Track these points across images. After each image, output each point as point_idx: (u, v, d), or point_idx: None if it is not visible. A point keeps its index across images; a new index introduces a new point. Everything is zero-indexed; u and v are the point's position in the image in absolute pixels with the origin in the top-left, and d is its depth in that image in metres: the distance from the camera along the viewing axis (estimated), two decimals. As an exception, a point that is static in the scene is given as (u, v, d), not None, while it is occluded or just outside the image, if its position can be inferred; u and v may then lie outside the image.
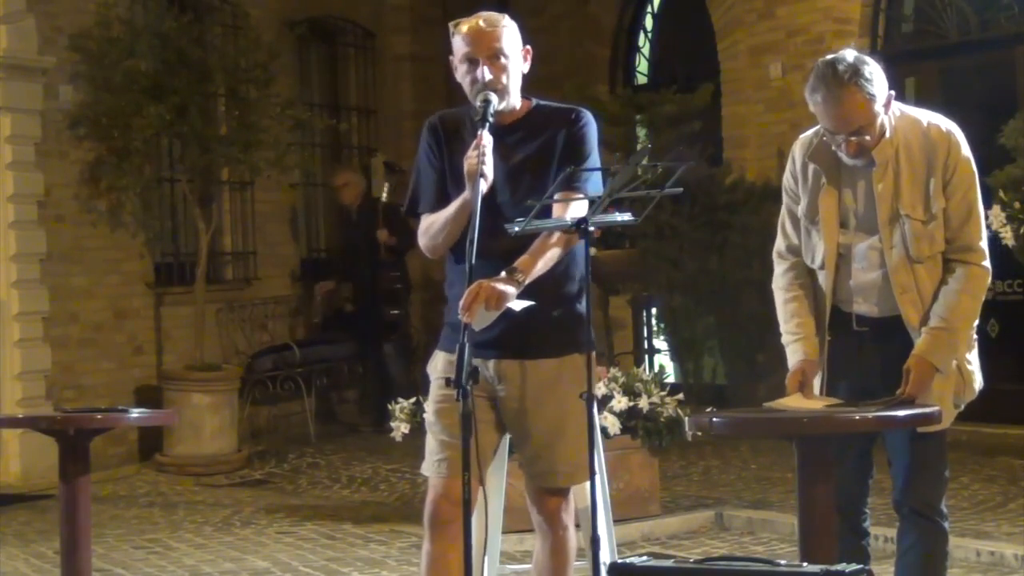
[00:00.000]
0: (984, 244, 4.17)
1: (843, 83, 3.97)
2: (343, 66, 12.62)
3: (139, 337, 10.22)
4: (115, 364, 10.01)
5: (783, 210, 4.37)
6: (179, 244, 10.82)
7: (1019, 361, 9.45)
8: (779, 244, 4.38)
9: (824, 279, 4.23)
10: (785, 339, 4.30)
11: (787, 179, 4.34)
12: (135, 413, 5.97)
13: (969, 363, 4.21)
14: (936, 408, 3.92)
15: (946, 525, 4.26)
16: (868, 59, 4.06)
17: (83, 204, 9.80)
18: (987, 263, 4.15)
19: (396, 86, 12.65)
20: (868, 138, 4.05)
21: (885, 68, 4.10)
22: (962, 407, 4.26)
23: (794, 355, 4.25)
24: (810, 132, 4.28)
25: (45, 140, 9.57)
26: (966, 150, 4.15)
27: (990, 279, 4.19)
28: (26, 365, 9.44)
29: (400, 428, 7.12)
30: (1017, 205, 7.78)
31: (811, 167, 4.22)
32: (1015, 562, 6.08)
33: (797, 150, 4.29)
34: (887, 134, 4.10)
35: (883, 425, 3.97)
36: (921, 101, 10.04)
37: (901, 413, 3.90)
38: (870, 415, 3.82)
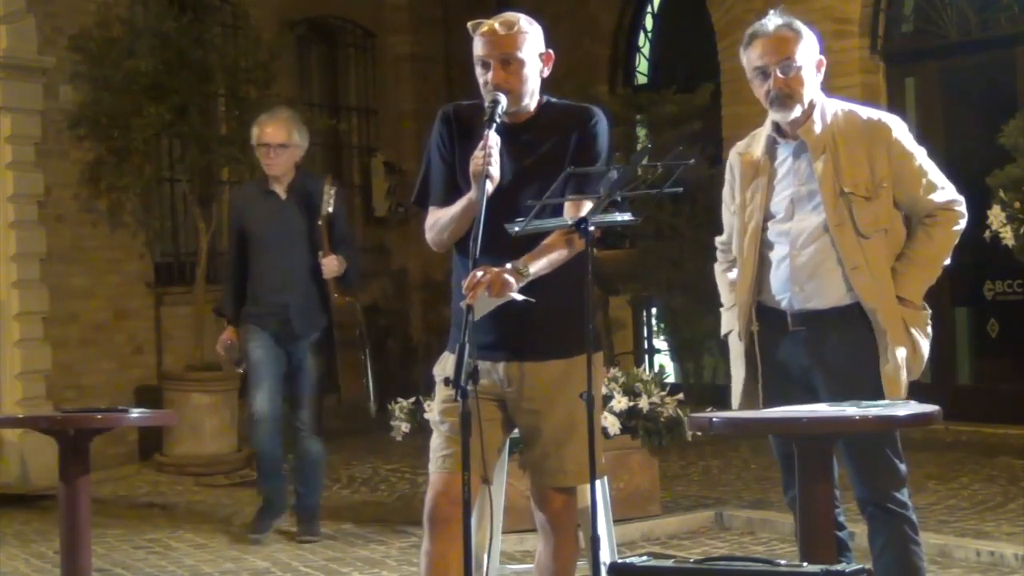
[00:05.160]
0: (948, 192, 4.30)
1: (775, 24, 4.29)
2: (343, 66, 12.62)
3: (139, 337, 10.22)
4: (115, 364, 10.01)
5: (723, 211, 4.58)
6: (179, 244, 10.82)
7: (1019, 361, 9.46)
8: (722, 237, 4.61)
9: (746, 268, 4.35)
10: (725, 308, 4.54)
11: (725, 186, 4.54)
12: (135, 413, 5.97)
13: (922, 339, 4.28)
14: (936, 408, 3.92)
15: (912, 516, 4.28)
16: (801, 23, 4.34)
17: (83, 204, 9.80)
18: (961, 208, 4.31)
19: (396, 86, 12.65)
20: (796, 68, 4.23)
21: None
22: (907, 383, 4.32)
23: (727, 325, 4.48)
24: (743, 140, 4.52)
25: (45, 140, 9.57)
26: (906, 132, 4.33)
27: (964, 217, 4.32)
28: (26, 365, 9.44)
29: (400, 428, 7.12)
30: (1017, 205, 7.78)
31: (742, 159, 4.42)
32: (1015, 562, 6.08)
33: (732, 153, 4.53)
34: (820, 121, 4.26)
35: (883, 425, 3.98)
36: (921, 101, 10.08)
37: (901, 413, 3.90)
38: (870, 415, 3.82)
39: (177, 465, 9.60)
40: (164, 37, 9.65)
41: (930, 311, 4.33)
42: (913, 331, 4.24)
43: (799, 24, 4.30)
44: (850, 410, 3.86)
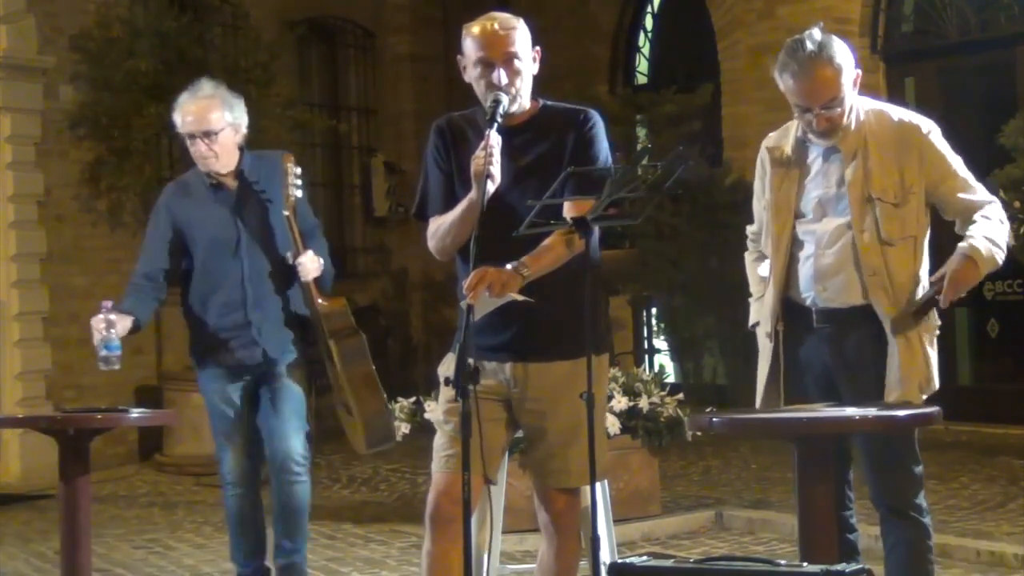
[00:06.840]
0: (983, 192, 4.29)
1: (813, 56, 4.10)
2: (343, 66, 12.62)
3: (139, 337, 10.15)
4: (115, 364, 10.01)
5: (754, 203, 4.58)
6: (179, 244, 10.81)
7: (1019, 361, 9.46)
8: (753, 227, 4.64)
9: (775, 265, 4.34)
10: (753, 298, 4.60)
11: (756, 179, 4.50)
12: (135, 413, 5.99)
13: (932, 351, 4.27)
14: (936, 408, 3.92)
15: (926, 520, 4.28)
16: (835, 37, 4.19)
17: (83, 204, 9.81)
18: (1000, 204, 4.31)
19: (396, 86, 12.66)
20: (839, 111, 4.14)
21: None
22: (924, 397, 4.29)
23: (754, 316, 4.53)
24: (775, 132, 4.43)
25: (45, 140, 9.58)
26: (938, 134, 4.30)
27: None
28: (26, 365, 9.44)
29: (400, 428, 7.12)
30: (1017, 205, 7.79)
31: (771, 155, 4.36)
32: (1015, 562, 6.08)
33: (763, 147, 4.44)
34: (854, 122, 4.20)
35: (883, 426, 3.97)
36: (921, 101, 10.07)
37: (902, 413, 3.90)
38: (870, 415, 3.82)
39: (177, 465, 9.60)
40: (164, 37, 9.67)
41: (939, 322, 4.30)
42: (924, 341, 4.21)
43: (838, 52, 4.12)
44: (850, 410, 3.86)
